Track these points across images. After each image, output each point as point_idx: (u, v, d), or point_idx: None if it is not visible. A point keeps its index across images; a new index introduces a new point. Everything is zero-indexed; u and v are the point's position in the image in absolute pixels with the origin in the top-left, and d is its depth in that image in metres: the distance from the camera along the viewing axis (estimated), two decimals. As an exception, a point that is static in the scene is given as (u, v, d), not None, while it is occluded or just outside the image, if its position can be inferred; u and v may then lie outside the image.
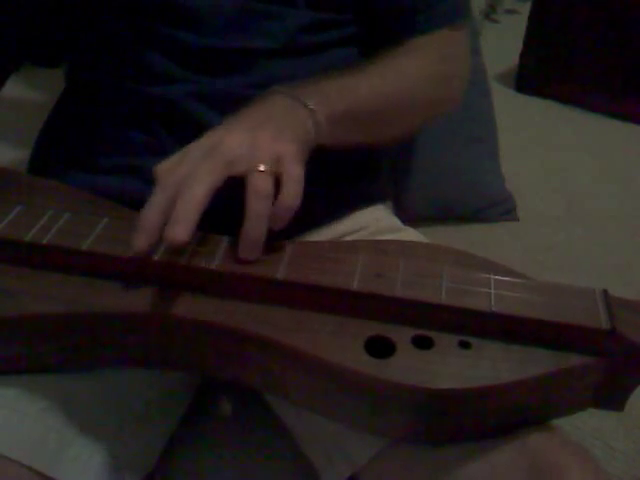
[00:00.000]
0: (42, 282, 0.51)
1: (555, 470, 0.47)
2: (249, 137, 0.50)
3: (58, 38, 0.72)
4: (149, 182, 0.50)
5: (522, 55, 1.46)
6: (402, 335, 0.48)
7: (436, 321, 0.48)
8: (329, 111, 0.56)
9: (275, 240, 0.52)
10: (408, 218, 0.78)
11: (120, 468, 0.55)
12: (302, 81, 0.58)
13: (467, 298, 0.48)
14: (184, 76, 0.64)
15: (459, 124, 1.00)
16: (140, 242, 0.47)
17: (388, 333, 0.48)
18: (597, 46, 1.38)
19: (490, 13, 1.77)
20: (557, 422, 0.51)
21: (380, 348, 0.47)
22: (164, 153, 0.52)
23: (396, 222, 0.75)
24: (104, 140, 0.67)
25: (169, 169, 0.50)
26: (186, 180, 0.48)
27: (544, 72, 1.44)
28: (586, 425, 0.71)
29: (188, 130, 0.54)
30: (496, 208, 1.03)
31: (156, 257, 0.50)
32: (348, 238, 0.68)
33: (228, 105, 0.55)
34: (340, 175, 0.69)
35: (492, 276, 0.50)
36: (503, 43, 1.52)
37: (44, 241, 0.52)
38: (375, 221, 0.71)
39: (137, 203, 0.51)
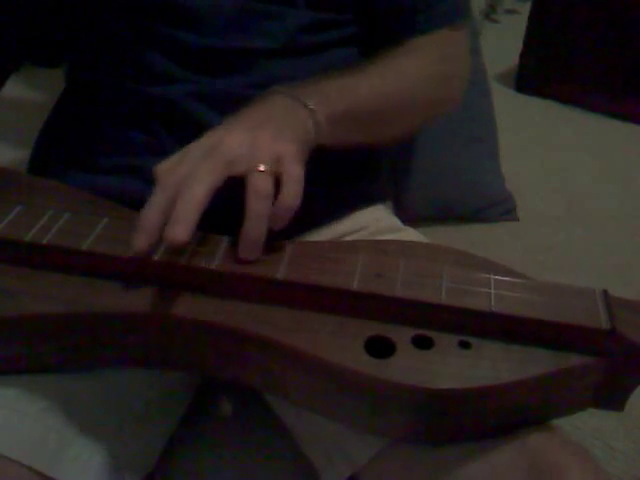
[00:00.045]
0: (42, 282, 0.51)
1: (555, 470, 0.47)
2: (249, 137, 0.50)
3: (58, 38, 0.72)
4: (149, 182, 0.50)
5: (522, 55, 1.46)
6: (402, 335, 0.48)
7: (436, 321, 0.48)
8: (329, 111, 0.56)
9: (275, 240, 0.52)
10: (408, 218, 0.78)
11: (120, 468, 0.55)
12: (302, 81, 0.58)
13: (467, 298, 0.48)
14: (184, 76, 0.64)
15: (459, 124, 1.00)
16: (140, 242, 0.47)
17: (388, 333, 0.48)
18: (597, 46, 1.38)
19: (490, 13, 1.77)
20: (557, 422, 0.51)
21: (380, 348, 0.47)
22: (164, 153, 0.52)
23: (396, 222, 0.75)
24: (104, 140, 0.67)
25: (169, 169, 0.50)
26: (186, 180, 0.48)
27: (544, 72, 1.44)
28: (586, 425, 0.71)
29: (188, 130, 0.54)
30: (496, 208, 1.03)
31: (156, 257, 0.50)
32: (348, 238, 0.68)
33: (228, 105, 0.55)
34: (340, 175, 0.69)
35: (492, 276, 0.50)
36: (503, 43, 1.52)
37: (44, 241, 0.52)
38: (375, 221, 0.71)
39: (137, 203, 0.51)
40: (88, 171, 0.66)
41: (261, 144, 0.50)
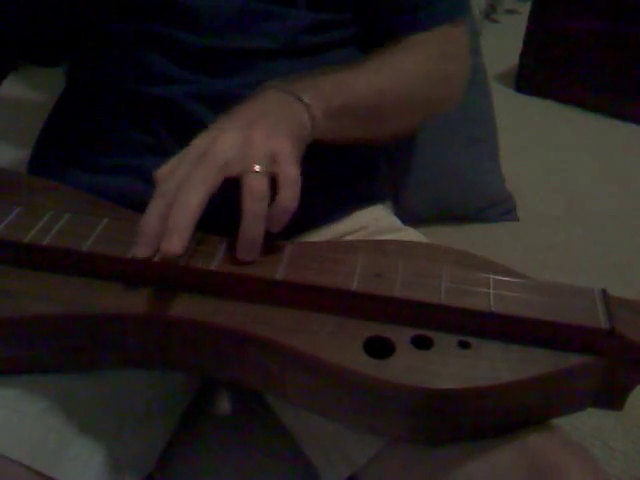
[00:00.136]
0: (42, 283, 0.51)
1: (555, 470, 0.47)
2: (242, 136, 0.50)
3: (58, 38, 0.72)
4: (149, 182, 0.51)
5: (522, 55, 1.46)
6: (401, 335, 0.48)
7: (435, 321, 0.48)
8: (325, 105, 0.56)
9: (274, 241, 0.52)
10: (408, 218, 0.78)
11: (120, 468, 0.55)
12: (297, 77, 0.58)
13: (466, 298, 0.49)
14: (184, 76, 0.64)
15: (459, 124, 1.00)
16: (141, 252, 0.48)
17: (387, 333, 0.48)
18: (597, 46, 1.38)
19: (490, 13, 1.77)
20: (557, 422, 0.51)
21: (379, 348, 0.47)
22: (164, 153, 0.52)
23: (396, 222, 0.75)
24: (104, 140, 0.67)
25: (167, 174, 0.50)
26: (181, 187, 0.48)
27: (544, 72, 1.44)
28: (585, 425, 0.71)
29: (188, 130, 0.54)
30: (496, 208, 1.03)
31: (156, 258, 0.50)
32: (347, 238, 0.68)
33: (228, 105, 0.55)
34: (339, 175, 0.69)
35: (491, 276, 0.50)
36: (503, 43, 1.52)
37: (44, 242, 0.52)
38: (375, 221, 0.71)
39: (137, 203, 0.51)
40: (88, 171, 0.66)
41: (255, 143, 0.50)
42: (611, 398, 0.50)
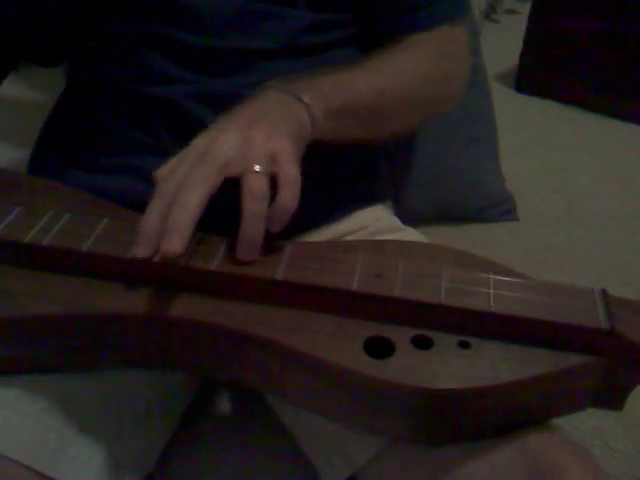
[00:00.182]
0: (42, 283, 0.51)
1: (555, 470, 0.47)
2: (242, 136, 0.50)
3: (58, 38, 0.72)
4: (149, 182, 0.51)
5: (522, 55, 1.46)
6: (401, 335, 0.48)
7: (435, 321, 0.48)
8: (325, 105, 0.56)
9: (274, 241, 0.52)
10: (408, 218, 0.78)
11: (120, 468, 0.55)
12: (297, 77, 0.58)
13: (466, 298, 0.48)
14: (184, 76, 0.64)
15: (459, 124, 1.00)
16: (141, 252, 0.48)
17: (387, 333, 0.48)
18: (597, 46, 1.38)
19: (490, 13, 1.77)
20: (557, 422, 0.51)
21: (379, 348, 0.47)
22: (164, 153, 0.52)
23: (396, 222, 0.75)
24: (104, 140, 0.67)
25: (167, 174, 0.50)
26: (181, 187, 0.48)
27: (544, 72, 1.44)
28: (585, 425, 0.71)
29: (188, 130, 0.54)
30: (496, 208, 1.03)
31: (156, 258, 0.50)
32: (348, 238, 0.68)
33: (228, 105, 0.55)
34: (339, 175, 0.69)
35: (491, 276, 0.50)
36: (503, 43, 1.52)
37: (44, 242, 0.52)
38: (375, 221, 0.71)
39: (137, 203, 0.51)
40: (88, 171, 0.66)
41: (255, 143, 0.50)
42: (611, 398, 0.50)
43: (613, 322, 0.47)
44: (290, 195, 0.49)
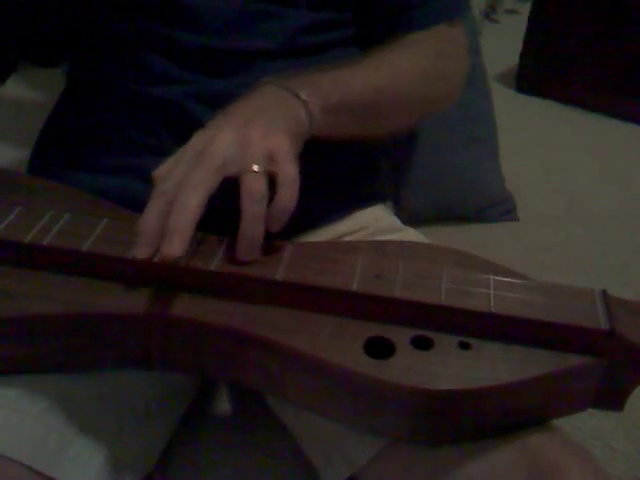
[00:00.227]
0: (42, 283, 0.51)
1: (555, 470, 0.47)
2: (240, 135, 0.50)
3: (58, 38, 0.72)
4: (149, 182, 0.51)
5: (522, 55, 1.46)
6: (402, 336, 0.48)
7: (436, 322, 0.48)
8: (322, 102, 0.56)
9: (274, 241, 0.52)
10: (408, 218, 0.78)
11: (120, 468, 0.55)
12: (294, 73, 0.58)
13: (467, 299, 0.48)
14: (184, 77, 0.64)
15: (459, 124, 1.00)
16: (140, 253, 0.48)
17: (388, 334, 0.48)
18: (597, 46, 1.38)
19: (490, 13, 1.77)
20: (557, 422, 0.51)
21: (380, 349, 0.47)
22: (164, 153, 0.52)
23: (396, 222, 0.75)
24: (104, 140, 0.67)
25: (165, 174, 0.50)
26: (180, 187, 0.48)
27: (544, 72, 1.44)
28: (586, 425, 0.71)
29: (188, 130, 0.54)
30: (496, 208, 1.03)
31: (156, 259, 0.50)
32: (348, 238, 0.68)
33: (227, 105, 0.55)
34: (339, 175, 0.69)
35: (492, 277, 0.50)
36: (503, 43, 1.52)
37: (44, 242, 0.52)
38: (375, 221, 0.71)
39: (137, 203, 0.51)
40: (88, 171, 0.66)
41: (252, 142, 0.50)
42: (611, 399, 0.50)
43: (613, 323, 0.47)
44: (289, 194, 0.49)
